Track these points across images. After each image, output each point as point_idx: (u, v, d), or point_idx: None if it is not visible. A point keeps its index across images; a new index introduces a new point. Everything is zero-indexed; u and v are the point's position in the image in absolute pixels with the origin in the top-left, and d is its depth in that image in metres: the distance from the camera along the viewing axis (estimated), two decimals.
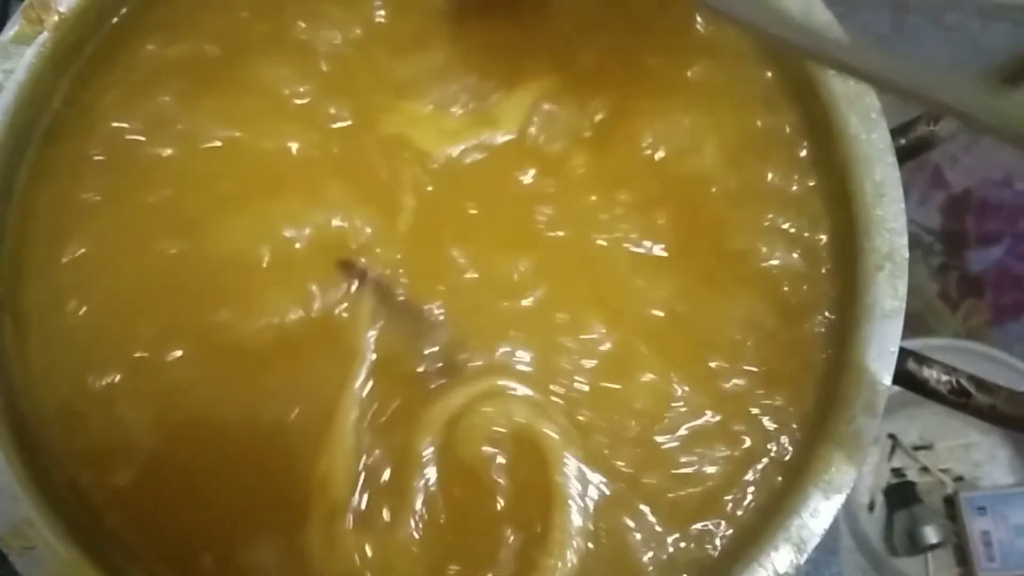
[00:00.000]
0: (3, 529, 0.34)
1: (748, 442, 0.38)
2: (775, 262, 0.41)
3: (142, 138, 0.41)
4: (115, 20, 0.43)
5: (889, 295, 0.38)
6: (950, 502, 0.81)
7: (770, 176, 0.42)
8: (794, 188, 0.42)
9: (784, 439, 0.38)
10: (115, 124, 0.41)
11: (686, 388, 0.38)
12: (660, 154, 0.42)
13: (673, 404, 0.38)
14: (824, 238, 0.41)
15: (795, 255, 0.41)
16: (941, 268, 0.89)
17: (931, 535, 0.78)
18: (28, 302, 0.39)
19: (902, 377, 0.38)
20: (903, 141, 0.42)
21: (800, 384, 0.39)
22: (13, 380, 0.38)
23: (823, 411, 0.38)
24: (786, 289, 0.40)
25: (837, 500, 0.36)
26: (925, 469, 0.82)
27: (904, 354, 0.38)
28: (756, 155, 0.42)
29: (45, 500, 0.35)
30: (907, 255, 0.39)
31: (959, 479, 0.82)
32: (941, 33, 0.98)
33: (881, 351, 0.38)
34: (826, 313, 0.40)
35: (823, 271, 0.41)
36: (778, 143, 0.42)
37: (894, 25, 0.97)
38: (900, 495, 0.81)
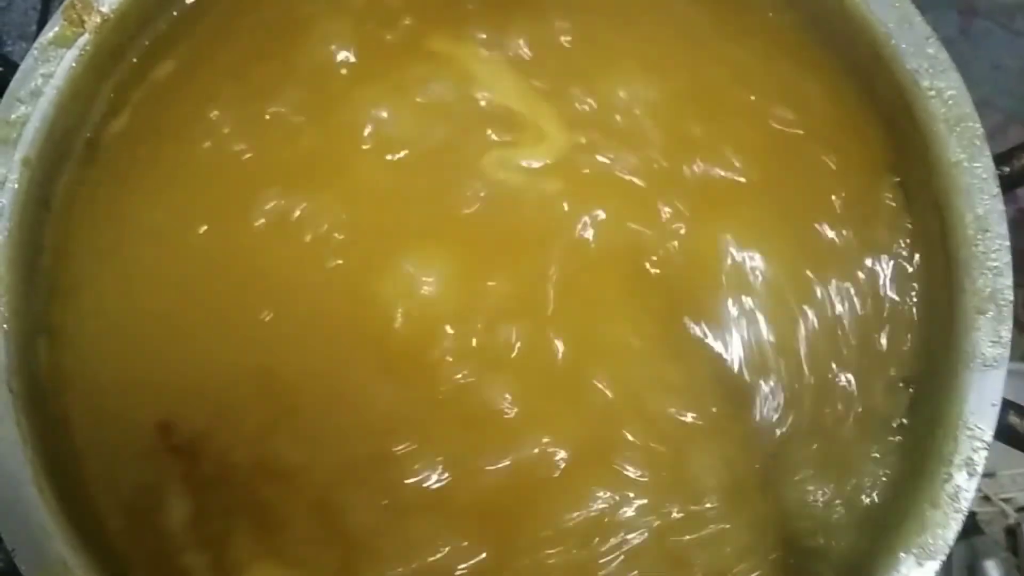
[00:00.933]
0: (35, 572, 0.32)
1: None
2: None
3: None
4: (161, 23, 0.40)
5: (990, 342, 0.35)
6: (1012, 533, 0.77)
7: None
8: (883, 223, 0.39)
9: (873, 496, 0.35)
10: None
11: None
12: None
13: None
14: (917, 276, 0.38)
15: (884, 294, 0.38)
16: None
17: (992, 569, 0.74)
18: (67, 321, 0.37)
19: (1003, 432, 0.35)
20: (1006, 170, 0.38)
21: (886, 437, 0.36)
22: (47, 404, 0.36)
23: (916, 469, 0.35)
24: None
25: (931, 568, 0.33)
26: (986, 498, 0.79)
27: (1006, 406, 0.35)
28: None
29: (79, 538, 0.33)
30: (1012, 298, 0.36)
31: (1022, 509, 0.79)
32: (1010, 37, 0.93)
33: (981, 403, 0.34)
34: (917, 359, 0.37)
35: (914, 313, 0.37)
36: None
37: (961, 28, 0.92)
38: None
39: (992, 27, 0.92)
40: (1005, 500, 0.79)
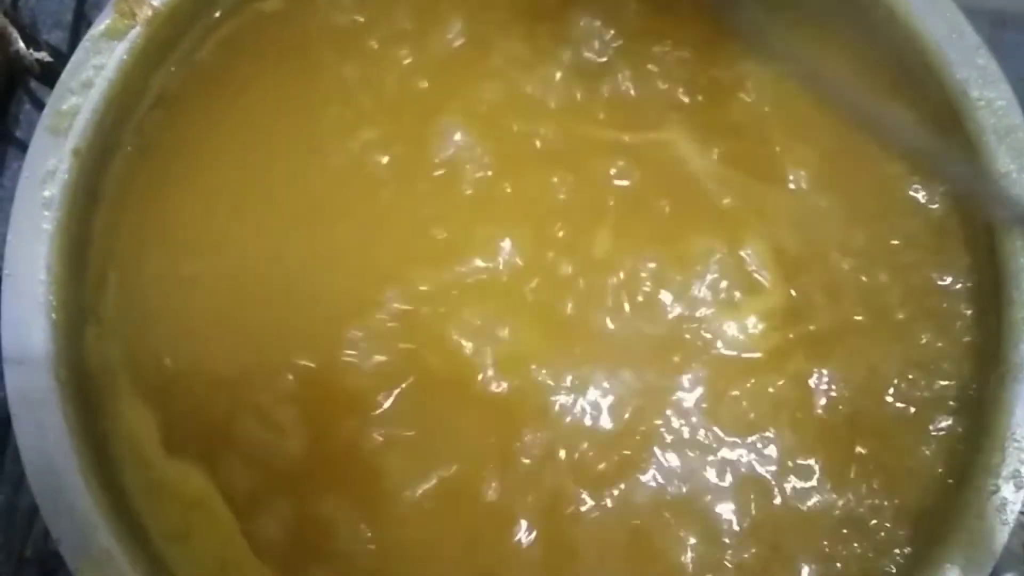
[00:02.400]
0: (80, 562, 0.32)
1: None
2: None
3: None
4: (215, 16, 0.40)
5: None
6: None
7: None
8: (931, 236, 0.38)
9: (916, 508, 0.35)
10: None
11: None
12: None
13: None
14: (965, 286, 0.38)
15: (930, 304, 0.37)
16: None
17: None
18: (113, 312, 0.37)
19: None
20: None
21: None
22: (93, 393, 0.36)
23: (963, 480, 0.34)
24: (923, 341, 0.37)
25: None
26: None
27: None
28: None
29: (124, 529, 0.33)
30: None
31: None
32: None
33: None
34: (965, 371, 0.37)
35: (961, 324, 0.37)
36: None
37: (991, 40, 0.92)
38: None
39: (1022, 39, 0.92)
40: None
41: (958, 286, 0.38)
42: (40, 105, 0.44)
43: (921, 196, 0.39)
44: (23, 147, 0.48)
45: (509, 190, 0.39)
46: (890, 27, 0.40)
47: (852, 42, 0.40)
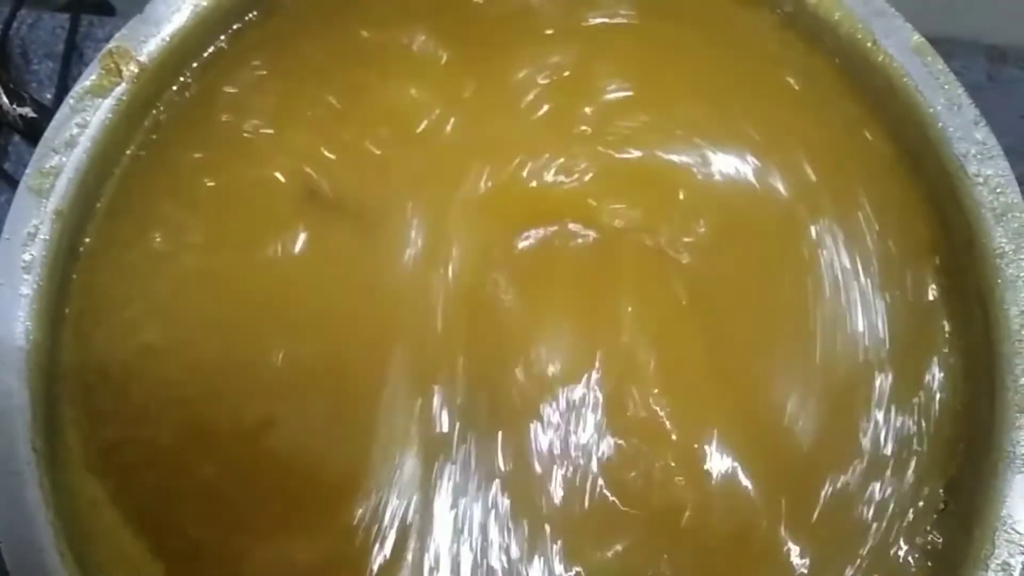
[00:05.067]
0: None
1: None
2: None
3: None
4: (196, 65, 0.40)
5: None
6: None
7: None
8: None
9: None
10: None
11: None
12: None
13: None
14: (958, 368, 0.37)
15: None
16: None
17: None
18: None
19: None
20: None
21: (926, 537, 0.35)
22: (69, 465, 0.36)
23: (952, 570, 0.34)
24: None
25: None
26: None
27: None
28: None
29: None
30: None
31: None
32: None
33: (1020, 505, 0.34)
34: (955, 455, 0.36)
35: (953, 407, 0.37)
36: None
37: (990, 76, 0.91)
38: None
39: (1021, 74, 0.91)
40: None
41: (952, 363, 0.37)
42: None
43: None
44: (11, 181, 0.48)
45: None
46: (890, 96, 0.39)
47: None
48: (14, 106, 0.43)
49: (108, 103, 0.37)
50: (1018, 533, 0.33)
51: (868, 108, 0.40)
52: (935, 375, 0.37)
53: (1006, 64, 0.93)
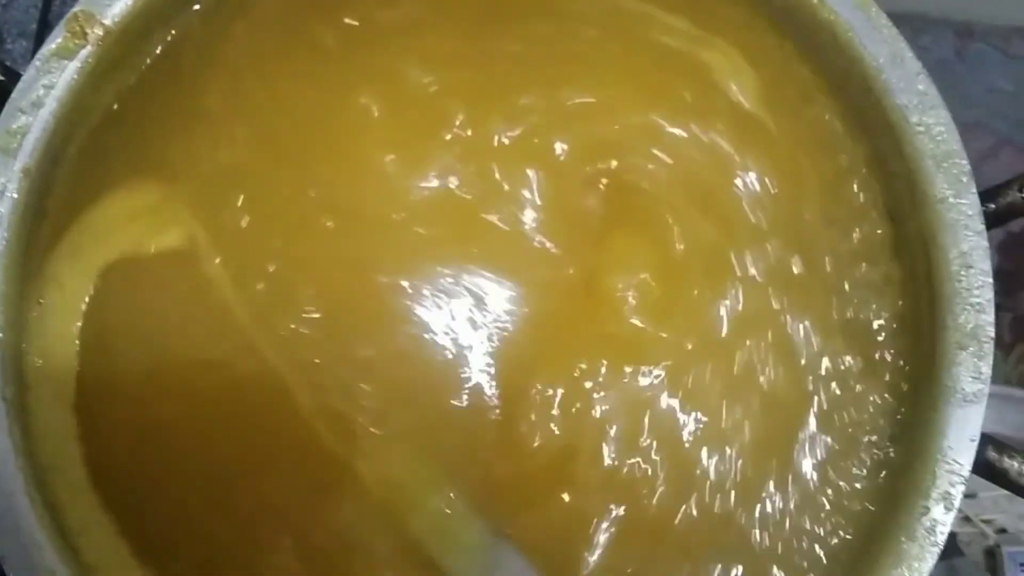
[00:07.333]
0: None
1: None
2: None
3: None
4: (167, 36, 0.41)
5: (971, 377, 0.36)
6: (992, 555, 0.78)
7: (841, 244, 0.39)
8: (868, 256, 0.39)
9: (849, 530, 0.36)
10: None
11: None
12: None
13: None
14: (899, 309, 0.38)
15: (866, 328, 0.38)
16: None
17: None
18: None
19: (980, 466, 0.36)
20: (992, 207, 0.39)
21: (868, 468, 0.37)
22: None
23: (893, 502, 0.35)
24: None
25: None
26: (967, 519, 0.79)
27: (984, 440, 0.35)
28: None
29: (68, 549, 0.34)
30: (992, 333, 0.36)
31: (1002, 531, 0.79)
32: (1007, 61, 0.94)
33: (960, 437, 0.35)
34: (899, 391, 0.37)
35: (896, 347, 0.38)
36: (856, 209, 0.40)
37: (958, 51, 0.93)
38: None
39: (988, 50, 0.93)
40: (985, 521, 0.80)
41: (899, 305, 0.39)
42: None
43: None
44: None
45: None
46: (834, 50, 0.40)
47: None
48: None
49: (74, 65, 0.38)
50: (958, 463, 0.35)
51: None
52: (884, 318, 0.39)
53: (973, 40, 0.95)
